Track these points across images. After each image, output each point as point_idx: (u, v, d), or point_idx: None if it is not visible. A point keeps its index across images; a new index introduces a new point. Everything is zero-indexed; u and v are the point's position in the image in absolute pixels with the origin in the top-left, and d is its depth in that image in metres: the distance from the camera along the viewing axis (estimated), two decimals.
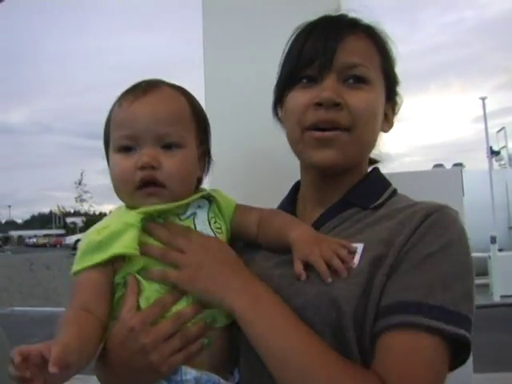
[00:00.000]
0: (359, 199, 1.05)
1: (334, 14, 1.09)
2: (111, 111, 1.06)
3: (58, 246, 53.04)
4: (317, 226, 1.04)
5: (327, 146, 1.00)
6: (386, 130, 1.13)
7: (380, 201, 1.03)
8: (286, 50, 1.10)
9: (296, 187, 1.20)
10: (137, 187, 0.99)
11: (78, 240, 34.69)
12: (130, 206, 1.03)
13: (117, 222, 0.99)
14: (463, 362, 0.91)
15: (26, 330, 8.90)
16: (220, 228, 1.08)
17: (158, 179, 0.99)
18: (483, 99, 13.32)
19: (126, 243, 0.95)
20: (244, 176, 1.40)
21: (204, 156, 1.11)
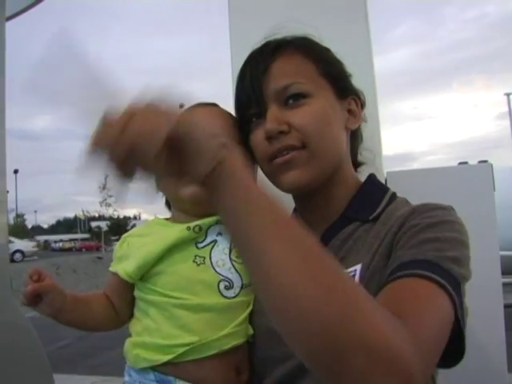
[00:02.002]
0: (358, 213, 1.05)
1: (259, 45, 1.10)
2: None
3: (84, 249, 53.80)
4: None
5: (289, 169, 1.01)
6: (351, 127, 1.10)
7: (379, 210, 1.03)
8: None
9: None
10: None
11: None
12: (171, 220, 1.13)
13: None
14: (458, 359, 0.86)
15: (55, 333, 9.03)
16: None
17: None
18: (508, 95, 13.14)
19: (128, 267, 1.05)
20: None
21: None
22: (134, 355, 1.02)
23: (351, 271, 0.94)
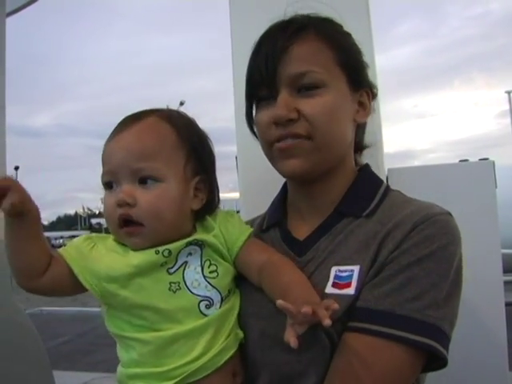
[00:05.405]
0: (351, 208, 1.04)
1: (282, 20, 1.06)
2: None
3: None
4: (311, 242, 1.04)
5: (291, 156, 1.00)
6: (360, 120, 1.09)
7: (372, 205, 1.02)
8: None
9: (284, 192, 1.19)
10: (118, 225, 0.98)
11: None
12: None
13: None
14: (442, 366, 0.89)
15: (54, 330, 9.07)
16: (215, 271, 1.02)
17: (133, 217, 0.96)
18: (509, 93, 13.14)
19: (88, 274, 0.96)
20: (274, 178, 1.39)
21: (204, 185, 1.05)
22: None
23: (346, 270, 0.94)
